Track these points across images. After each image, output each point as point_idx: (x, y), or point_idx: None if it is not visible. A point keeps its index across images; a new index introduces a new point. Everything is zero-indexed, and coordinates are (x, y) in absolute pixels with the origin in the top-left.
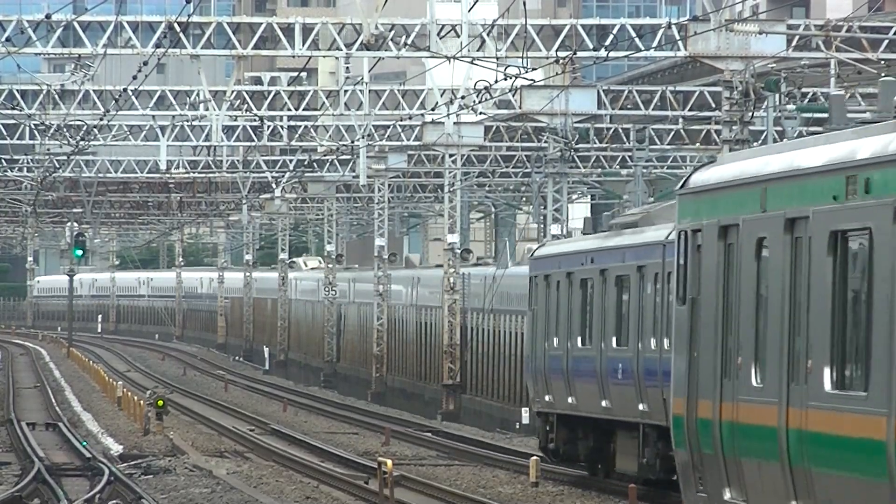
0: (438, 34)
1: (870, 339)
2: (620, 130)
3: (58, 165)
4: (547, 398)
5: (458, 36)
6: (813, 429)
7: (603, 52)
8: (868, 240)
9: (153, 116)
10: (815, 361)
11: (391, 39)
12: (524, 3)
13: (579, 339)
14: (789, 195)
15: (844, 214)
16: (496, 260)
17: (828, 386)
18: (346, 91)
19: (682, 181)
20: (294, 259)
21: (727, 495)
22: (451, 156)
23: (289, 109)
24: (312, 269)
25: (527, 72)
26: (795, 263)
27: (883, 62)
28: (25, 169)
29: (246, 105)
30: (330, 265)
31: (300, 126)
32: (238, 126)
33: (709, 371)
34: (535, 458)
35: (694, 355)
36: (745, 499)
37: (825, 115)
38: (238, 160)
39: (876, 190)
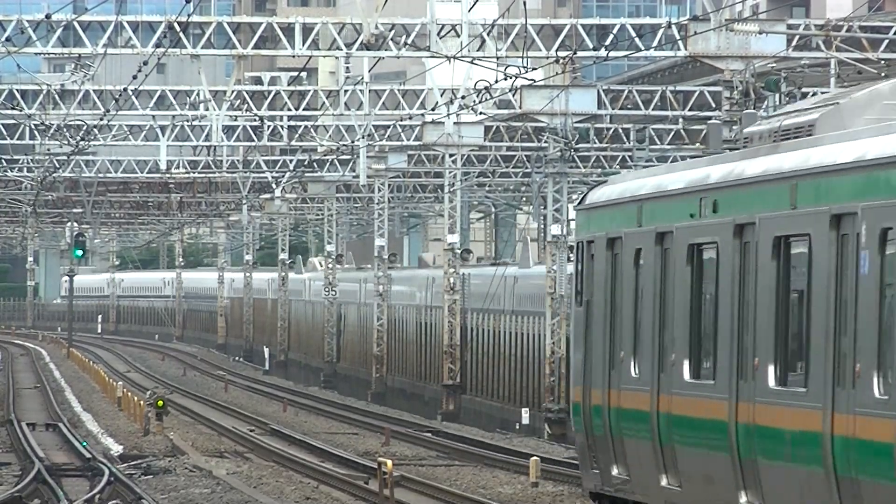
0: (438, 34)
1: (716, 336)
2: (620, 130)
3: (58, 165)
4: (614, 471)
5: (458, 36)
6: (677, 412)
7: (603, 52)
8: (716, 252)
9: (153, 116)
10: (678, 354)
11: (391, 39)
12: (524, 3)
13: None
14: (659, 213)
15: (698, 230)
16: (496, 259)
17: (687, 375)
18: (346, 91)
19: (580, 199)
20: (310, 259)
21: (615, 471)
22: (451, 156)
23: (289, 109)
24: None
25: (527, 72)
26: (664, 271)
27: (883, 62)
28: (25, 169)
29: (246, 105)
30: (330, 265)
31: (300, 126)
32: (238, 126)
33: (599, 364)
34: (534, 458)
35: (588, 350)
36: (628, 474)
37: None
38: (238, 160)
39: (721, 210)
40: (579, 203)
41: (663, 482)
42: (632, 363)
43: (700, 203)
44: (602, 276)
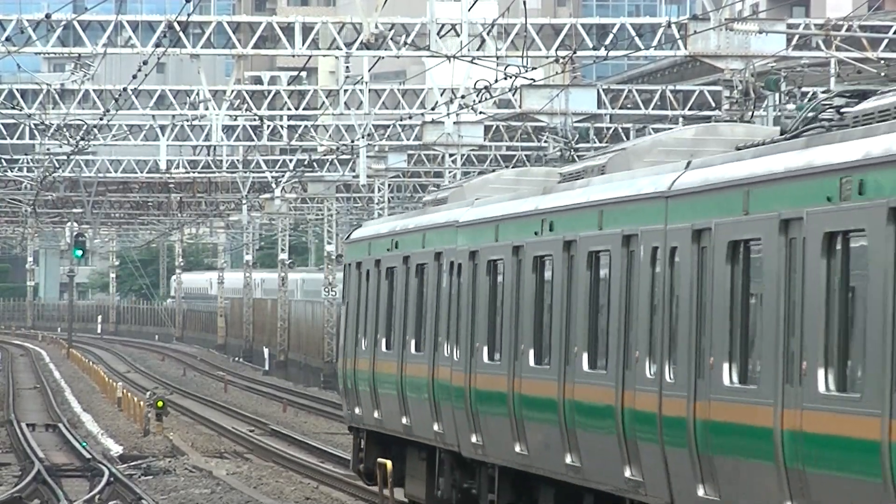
0: (438, 33)
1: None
2: (620, 130)
3: (58, 165)
4: (357, 411)
5: (458, 35)
6: (378, 371)
7: (603, 52)
8: (422, 270)
9: (153, 116)
10: (384, 335)
11: (391, 39)
12: (524, 3)
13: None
14: (416, 243)
15: (422, 255)
16: None
17: (383, 347)
18: (346, 91)
19: (348, 235)
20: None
21: (356, 410)
22: (451, 156)
23: (289, 109)
24: None
25: (527, 71)
26: (392, 283)
27: (883, 62)
28: (25, 169)
29: (246, 105)
30: (330, 265)
31: (300, 126)
32: (238, 126)
33: (351, 343)
34: None
35: (345, 333)
36: (361, 412)
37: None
38: (238, 160)
39: (428, 243)
40: (347, 238)
41: (376, 415)
42: (363, 341)
43: (423, 237)
44: (355, 286)
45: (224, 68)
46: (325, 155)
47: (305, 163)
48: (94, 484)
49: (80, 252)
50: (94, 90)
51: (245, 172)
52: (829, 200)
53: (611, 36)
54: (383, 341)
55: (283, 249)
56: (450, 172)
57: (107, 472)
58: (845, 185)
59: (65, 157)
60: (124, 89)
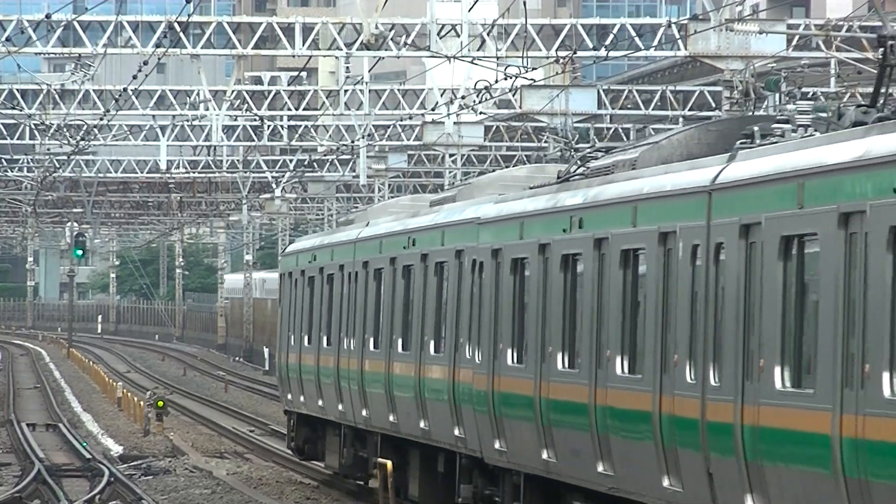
0: (438, 34)
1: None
2: (620, 130)
3: (58, 165)
4: (289, 396)
5: (458, 36)
6: (305, 363)
7: (603, 52)
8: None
9: (153, 116)
10: (318, 331)
11: (391, 39)
12: (524, 3)
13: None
14: (328, 257)
15: (351, 265)
16: None
17: (325, 343)
18: (346, 91)
19: (284, 249)
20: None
21: (288, 396)
22: (451, 156)
23: (289, 109)
24: None
25: (527, 72)
26: (323, 290)
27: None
28: (25, 169)
29: (246, 105)
30: None
31: (300, 126)
32: (238, 126)
33: (296, 339)
34: None
35: (281, 331)
36: (291, 398)
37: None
38: (238, 160)
39: (337, 257)
40: (283, 252)
41: (320, 401)
42: (292, 338)
43: (354, 248)
44: (292, 292)
45: (224, 68)
46: (325, 155)
47: (305, 163)
48: (95, 484)
49: (80, 252)
50: (94, 90)
51: (245, 172)
52: None
53: (611, 36)
54: (323, 338)
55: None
56: (450, 172)
57: (107, 472)
58: None
59: (65, 158)
60: (124, 89)
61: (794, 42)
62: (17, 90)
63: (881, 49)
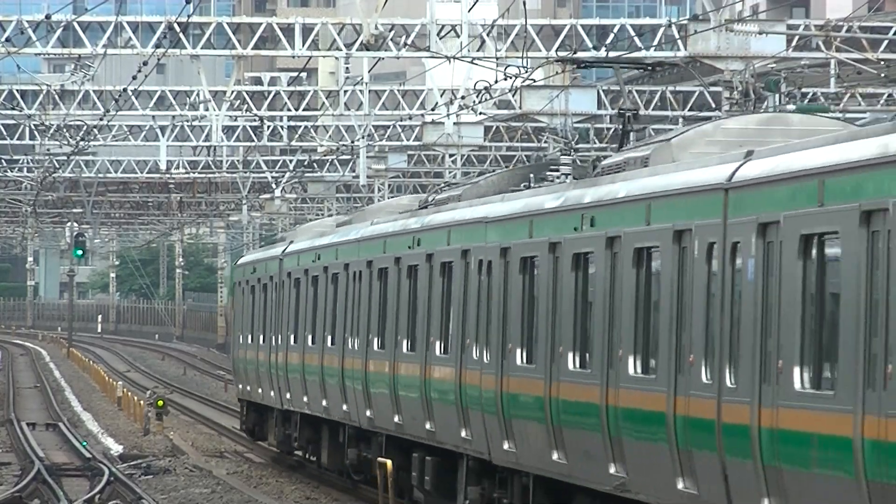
0: (438, 34)
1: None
2: (620, 130)
3: (58, 165)
4: (239, 386)
5: (458, 36)
6: (249, 356)
7: (603, 52)
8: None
9: (153, 116)
10: (287, 332)
11: (391, 39)
12: (524, 3)
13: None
14: (266, 268)
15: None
16: None
17: (286, 341)
18: (346, 91)
19: (235, 261)
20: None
21: (240, 386)
22: (451, 156)
23: (289, 109)
24: None
25: (527, 72)
26: (271, 297)
27: (883, 62)
28: (25, 169)
29: (246, 105)
30: None
31: (300, 126)
32: (238, 126)
33: (238, 337)
34: None
35: (234, 331)
36: (246, 387)
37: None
38: (238, 160)
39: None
40: (235, 263)
41: (274, 394)
42: (245, 336)
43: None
44: (241, 299)
45: (224, 69)
46: (325, 155)
47: (305, 163)
48: (94, 483)
49: (80, 252)
50: (94, 91)
51: (245, 173)
52: None
53: (611, 37)
54: (291, 337)
55: None
56: (450, 173)
57: (107, 472)
58: None
59: (65, 158)
60: (124, 90)
61: (794, 42)
62: (17, 90)
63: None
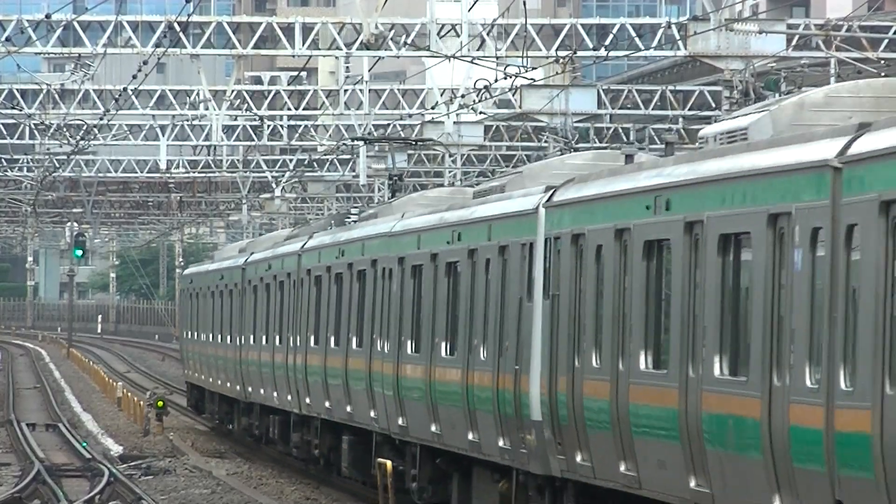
0: (438, 34)
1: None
2: (620, 130)
3: (58, 165)
4: (187, 372)
5: (458, 35)
6: (199, 350)
7: (603, 52)
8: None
9: (153, 116)
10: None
11: (391, 39)
12: (524, 3)
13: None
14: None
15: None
16: None
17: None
18: (346, 91)
19: (184, 272)
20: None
21: (187, 372)
22: (450, 155)
23: (289, 109)
24: None
25: (527, 71)
26: (226, 300)
27: (883, 62)
28: (25, 169)
29: (246, 105)
30: None
31: (300, 126)
32: (238, 126)
33: (191, 330)
34: None
35: (189, 324)
36: (193, 373)
37: None
38: (238, 160)
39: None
40: (184, 272)
41: (211, 378)
42: (196, 332)
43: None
44: (193, 303)
45: (224, 68)
46: (325, 155)
47: (305, 163)
48: (94, 484)
49: (80, 252)
50: (94, 90)
51: (245, 172)
52: None
53: (611, 36)
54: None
55: None
56: (450, 172)
57: (107, 472)
58: None
59: (65, 157)
60: (124, 89)
61: (794, 42)
62: (17, 90)
63: None
